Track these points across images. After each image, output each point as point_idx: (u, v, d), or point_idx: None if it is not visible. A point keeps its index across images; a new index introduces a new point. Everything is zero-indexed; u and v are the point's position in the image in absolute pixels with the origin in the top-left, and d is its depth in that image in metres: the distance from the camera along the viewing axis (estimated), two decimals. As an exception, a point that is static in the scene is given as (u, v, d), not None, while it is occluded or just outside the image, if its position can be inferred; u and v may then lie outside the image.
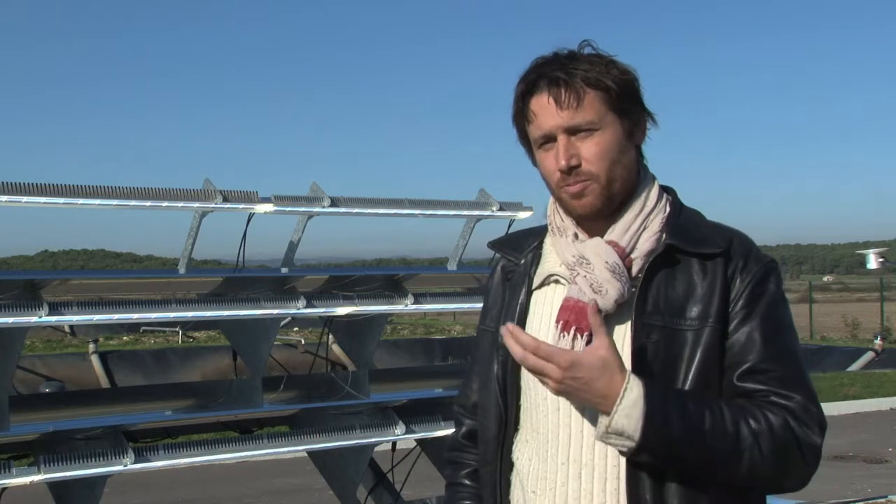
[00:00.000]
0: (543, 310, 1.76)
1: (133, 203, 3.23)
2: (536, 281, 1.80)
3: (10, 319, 3.02)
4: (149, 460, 3.19)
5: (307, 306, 3.50)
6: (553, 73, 1.68)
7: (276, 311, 3.49)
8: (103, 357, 14.73)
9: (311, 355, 4.17)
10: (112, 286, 3.91)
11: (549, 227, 1.81)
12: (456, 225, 4.00)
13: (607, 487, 1.66)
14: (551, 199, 1.80)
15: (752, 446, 1.58)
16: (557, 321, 1.68)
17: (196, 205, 3.34)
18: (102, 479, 3.25)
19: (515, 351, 1.57)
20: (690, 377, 1.65)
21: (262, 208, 3.44)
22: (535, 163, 1.78)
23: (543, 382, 1.61)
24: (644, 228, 1.72)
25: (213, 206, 3.33)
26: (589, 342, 1.64)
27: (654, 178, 1.78)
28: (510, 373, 1.78)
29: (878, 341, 20.36)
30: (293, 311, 3.53)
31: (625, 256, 1.69)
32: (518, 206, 3.94)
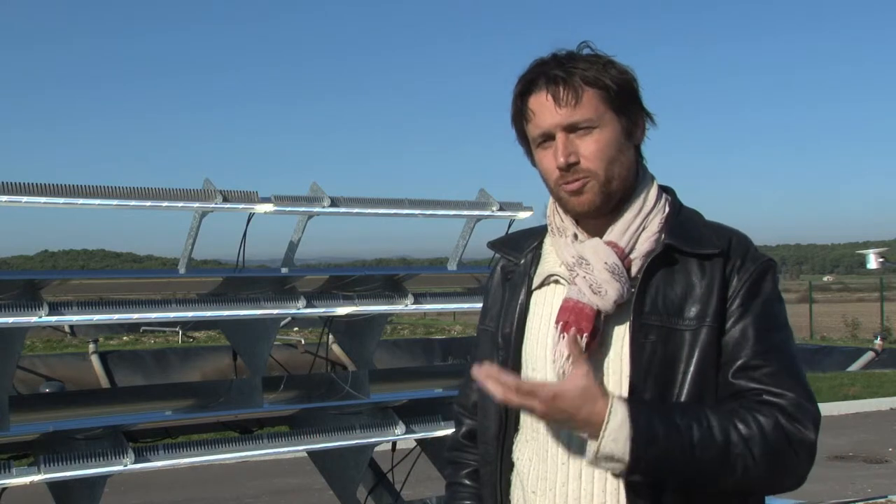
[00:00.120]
0: (543, 310, 1.77)
1: (133, 203, 3.23)
2: (536, 281, 1.81)
3: (10, 319, 3.02)
4: (149, 460, 3.19)
5: (307, 306, 3.50)
6: (551, 71, 1.69)
7: (276, 311, 3.49)
8: (103, 357, 14.73)
9: (311, 355, 4.17)
10: (112, 286, 3.91)
11: (549, 227, 1.82)
12: (456, 225, 4.00)
13: (607, 488, 1.66)
14: (551, 199, 1.80)
15: (744, 453, 1.58)
16: (557, 322, 1.68)
17: (196, 205, 3.34)
18: (102, 479, 3.24)
19: (497, 392, 1.57)
20: (689, 377, 1.65)
21: (262, 208, 3.44)
22: (534, 163, 1.78)
23: (530, 413, 1.61)
24: (643, 229, 1.72)
25: (213, 206, 3.33)
26: (589, 342, 1.64)
27: (653, 178, 1.79)
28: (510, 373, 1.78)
29: (878, 341, 20.37)
30: (293, 311, 3.53)
31: (624, 257, 1.69)
32: (518, 206, 3.94)
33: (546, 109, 1.69)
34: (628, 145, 1.73)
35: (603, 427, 1.54)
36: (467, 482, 1.93)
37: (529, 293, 1.80)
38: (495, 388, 1.57)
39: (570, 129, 1.69)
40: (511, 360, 1.79)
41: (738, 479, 1.59)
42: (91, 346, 14.90)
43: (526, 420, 1.77)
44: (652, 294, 1.68)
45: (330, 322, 3.98)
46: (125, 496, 7.46)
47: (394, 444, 3.96)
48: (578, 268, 1.69)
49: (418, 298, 3.78)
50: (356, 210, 3.64)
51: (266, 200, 3.44)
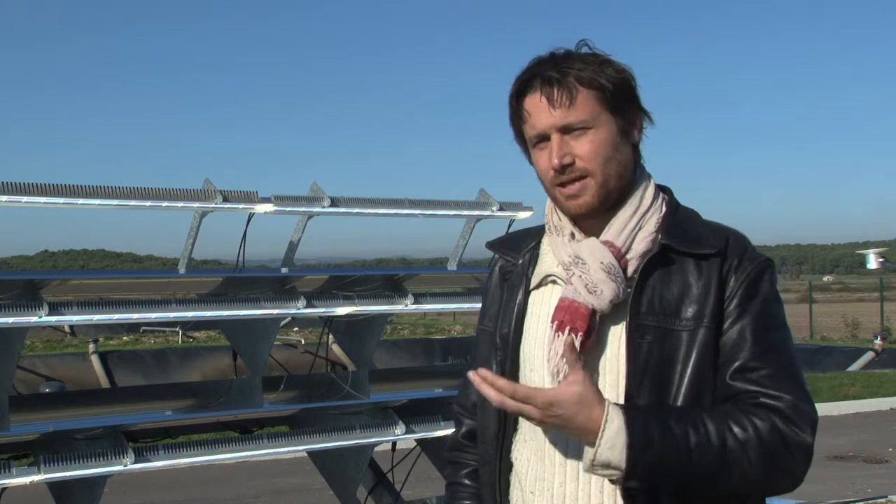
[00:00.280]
0: (541, 310, 1.76)
1: (133, 203, 3.23)
2: (534, 281, 1.81)
3: (10, 319, 3.02)
4: (149, 460, 3.19)
5: (307, 306, 3.50)
6: (546, 72, 1.69)
7: (276, 311, 3.49)
8: (103, 357, 14.74)
9: (311, 355, 4.17)
10: (112, 286, 3.90)
11: (547, 227, 1.82)
12: (456, 225, 4.00)
13: (605, 489, 1.66)
14: (549, 199, 1.80)
15: (741, 458, 1.58)
16: (553, 321, 1.68)
17: (196, 205, 3.34)
18: (102, 479, 3.24)
19: (492, 396, 1.57)
20: (686, 378, 1.65)
21: (262, 208, 3.44)
22: (531, 162, 1.78)
23: (527, 419, 1.61)
24: (640, 228, 1.72)
25: (213, 206, 3.33)
26: (584, 342, 1.64)
27: (649, 177, 1.78)
28: (508, 373, 1.78)
29: (878, 341, 20.38)
30: (293, 311, 3.53)
31: (620, 257, 1.69)
32: (518, 206, 3.94)
33: (541, 111, 1.69)
34: (625, 144, 1.73)
35: (599, 434, 1.54)
36: (467, 482, 1.93)
37: (527, 293, 1.80)
38: (491, 392, 1.57)
39: (565, 130, 1.68)
40: (509, 359, 1.79)
41: (735, 482, 1.60)
42: (91, 346, 14.92)
43: (525, 420, 1.77)
44: (648, 294, 1.68)
45: (330, 322, 3.98)
46: (125, 496, 7.46)
47: (394, 444, 3.96)
48: (575, 267, 1.69)
49: (418, 298, 3.78)
50: (356, 210, 3.64)
51: (266, 200, 3.44)
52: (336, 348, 4.13)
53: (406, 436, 3.68)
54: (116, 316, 3.23)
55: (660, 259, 1.70)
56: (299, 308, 3.50)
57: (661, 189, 1.80)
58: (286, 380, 3.89)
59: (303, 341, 11.99)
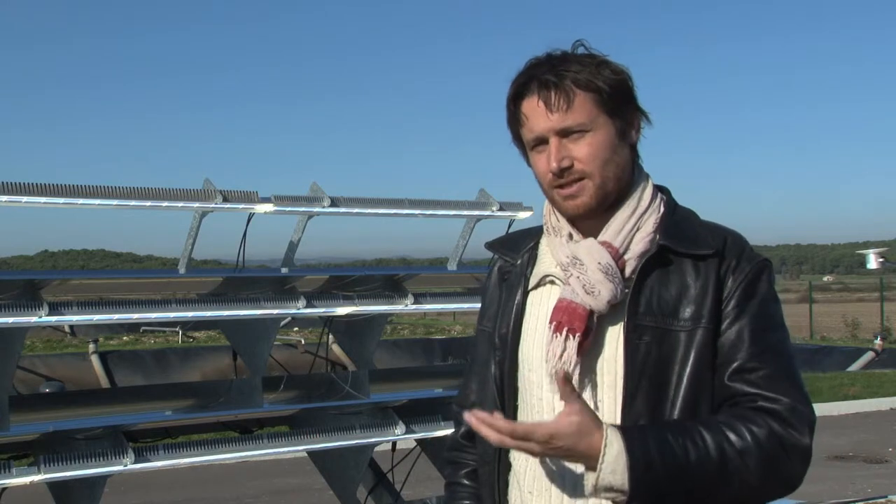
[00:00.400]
0: (539, 310, 1.76)
1: (133, 203, 3.23)
2: (532, 281, 1.80)
3: (10, 319, 3.02)
4: (149, 460, 3.19)
5: (307, 306, 3.50)
6: (543, 75, 1.68)
7: (276, 311, 3.49)
8: (103, 357, 14.75)
9: (311, 355, 4.17)
10: (112, 286, 3.90)
11: (545, 227, 1.82)
12: (456, 225, 4.00)
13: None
14: (547, 200, 1.80)
15: (740, 467, 1.58)
16: (550, 322, 1.68)
17: (196, 205, 3.34)
18: (102, 479, 3.24)
19: (491, 437, 1.56)
20: (684, 379, 1.65)
21: (262, 208, 3.44)
22: (529, 164, 1.78)
23: (529, 454, 1.61)
24: (637, 229, 1.72)
25: (213, 206, 3.33)
26: (581, 342, 1.64)
27: (647, 177, 1.78)
28: (507, 373, 1.79)
29: (878, 341, 20.39)
30: (293, 311, 3.53)
31: (618, 257, 1.69)
32: (518, 206, 3.94)
33: (538, 114, 1.69)
34: (623, 145, 1.72)
35: (600, 459, 1.54)
36: (466, 482, 1.93)
37: (526, 294, 1.80)
38: (490, 433, 1.56)
39: (563, 133, 1.68)
40: (508, 360, 1.79)
41: (735, 490, 1.60)
42: (91, 346, 14.92)
43: (523, 420, 1.77)
44: (646, 295, 1.67)
45: (330, 322, 3.98)
46: (125, 496, 7.47)
47: (394, 444, 3.96)
48: (572, 268, 1.69)
49: (418, 298, 3.78)
50: (356, 210, 3.64)
51: (266, 200, 3.44)
52: (336, 348, 4.13)
53: (406, 436, 3.68)
54: (116, 316, 3.23)
55: (658, 259, 1.69)
56: (299, 308, 3.50)
57: (660, 189, 1.80)
58: (286, 380, 3.89)
59: (303, 341, 11.99)
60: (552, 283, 1.77)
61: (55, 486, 3.28)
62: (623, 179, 1.73)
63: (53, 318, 3.09)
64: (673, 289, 1.68)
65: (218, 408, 3.62)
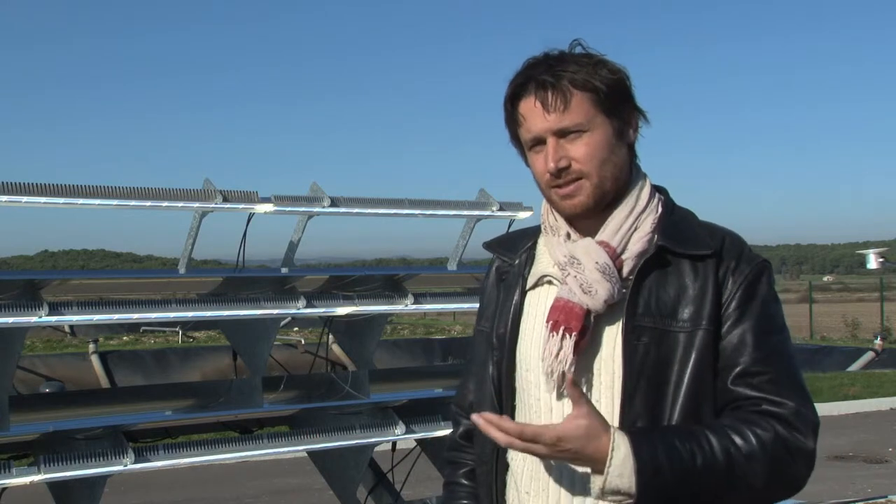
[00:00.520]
0: (537, 310, 1.76)
1: (133, 203, 3.23)
2: (530, 281, 1.80)
3: (10, 319, 3.02)
4: (149, 460, 3.19)
5: (307, 306, 3.50)
6: (540, 76, 1.68)
7: (276, 311, 3.49)
8: (103, 357, 14.77)
9: (311, 355, 4.17)
10: (112, 286, 3.90)
11: (543, 227, 1.82)
12: (456, 225, 4.00)
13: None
14: (544, 199, 1.80)
15: (746, 471, 1.59)
16: (547, 321, 1.68)
17: (196, 205, 3.34)
18: (102, 479, 3.24)
19: (499, 438, 1.56)
20: (685, 381, 1.64)
21: (262, 208, 3.44)
22: (527, 164, 1.78)
23: (537, 456, 1.61)
24: (635, 229, 1.72)
25: (213, 206, 3.33)
26: (578, 342, 1.64)
27: (645, 177, 1.78)
28: (505, 373, 1.79)
29: (878, 341, 20.40)
30: (293, 311, 3.52)
31: (615, 257, 1.69)
32: (518, 206, 3.94)
33: (535, 115, 1.69)
34: (620, 145, 1.72)
35: (607, 463, 1.54)
36: (464, 482, 1.93)
37: (523, 294, 1.80)
38: (498, 435, 1.56)
39: (561, 133, 1.68)
40: (506, 360, 1.79)
41: (741, 494, 1.61)
42: (91, 346, 14.94)
43: (521, 420, 1.77)
44: (645, 295, 1.67)
45: (330, 322, 3.98)
46: (125, 496, 7.47)
47: (394, 444, 3.96)
48: (570, 267, 1.69)
49: (418, 298, 3.77)
50: (356, 210, 3.64)
51: (266, 200, 3.44)
52: (336, 348, 4.13)
53: (406, 436, 3.68)
54: (116, 316, 3.23)
55: (656, 260, 1.69)
56: (299, 308, 3.50)
57: (657, 189, 1.79)
58: (286, 380, 3.89)
59: (303, 341, 12.00)
60: (550, 283, 1.77)
61: (55, 486, 3.28)
62: (621, 179, 1.73)
63: (53, 318, 3.09)
64: (671, 289, 1.68)
65: (218, 408, 3.62)
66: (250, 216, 3.49)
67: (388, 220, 3.93)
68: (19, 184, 3.03)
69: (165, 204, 3.27)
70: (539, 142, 1.71)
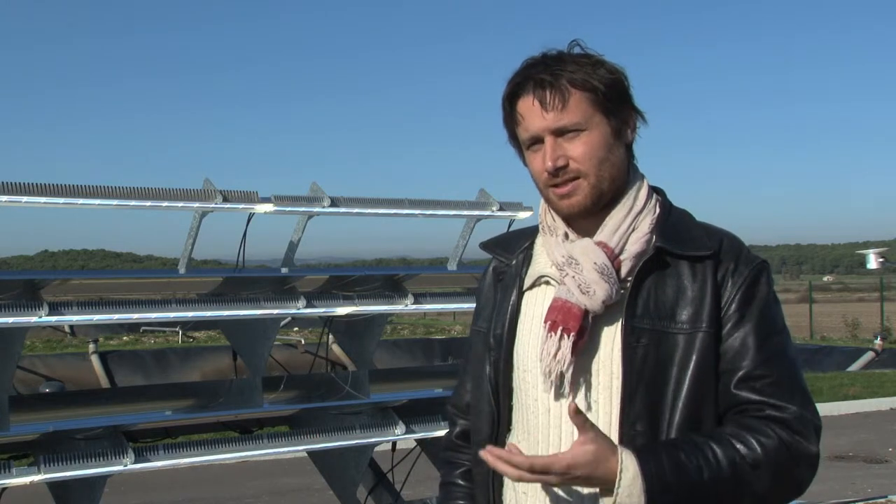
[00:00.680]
0: (535, 311, 1.76)
1: (133, 203, 3.23)
2: (528, 282, 1.80)
3: (10, 319, 3.02)
4: (149, 460, 3.19)
5: (307, 306, 3.50)
6: (538, 75, 1.68)
7: (276, 311, 3.49)
8: (103, 357, 14.77)
9: (311, 355, 4.17)
10: (112, 286, 3.90)
11: (541, 227, 1.82)
12: (456, 225, 4.00)
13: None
14: (542, 199, 1.80)
15: (752, 480, 1.60)
16: (545, 321, 1.68)
17: (196, 205, 3.34)
18: (102, 479, 3.24)
19: (510, 473, 1.56)
20: (685, 382, 1.64)
21: (262, 208, 3.44)
22: (525, 163, 1.78)
23: (548, 485, 1.62)
24: (633, 229, 1.71)
25: (213, 206, 3.33)
26: (576, 342, 1.64)
27: (643, 177, 1.78)
28: (502, 374, 1.79)
29: (878, 341, 20.40)
30: (293, 311, 3.53)
31: (613, 257, 1.69)
32: (518, 206, 3.94)
33: (533, 114, 1.69)
34: (618, 145, 1.72)
35: (616, 484, 1.54)
36: (461, 482, 1.93)
37: (521, 294, 1.80)
38: (508, 469, 1.56)
39: (559, 132, 1.68)
40: (503, 360, 1.79)
41: (746, 501, 1.61)
42: (91, 346, 14.94)
43: (518, 421, 1.78)
44: (643, 297, 1.67)
45: (330, 322, 3.98)
46: (125, 496, 7.47)
47: (394, 444, 3.96)
48: (568, 267, 1.69)
49: (418, 298, 3.78)
50: (356, 210, 3.64)
51: (266, 200, 3.44)
52: (336, 348, 4.13)
53: (406, 436, 3.68)
54: (116, 316, 3.23)
55: (654, 261, 1.69)
56: (299, 308, 3.50)
57: (655, 190, 1.79)
58: (286, 380, 3.89)
59: (303, 341, 11.99)
60: (547, 283, 1.77)
61: (55, 486, 3.28)
62: (618, 179, 1.73)
63: (53, 318, 3.09)
64: (670, 291, 1.68)
65: (218, 408, 3.62)
66: (250, 216, 3.49)
67: (388, 220, 3.93)
68: (19, 184, 3.03)
69: (165, 204, 3.27)
70: (537, 141, 1.71)
